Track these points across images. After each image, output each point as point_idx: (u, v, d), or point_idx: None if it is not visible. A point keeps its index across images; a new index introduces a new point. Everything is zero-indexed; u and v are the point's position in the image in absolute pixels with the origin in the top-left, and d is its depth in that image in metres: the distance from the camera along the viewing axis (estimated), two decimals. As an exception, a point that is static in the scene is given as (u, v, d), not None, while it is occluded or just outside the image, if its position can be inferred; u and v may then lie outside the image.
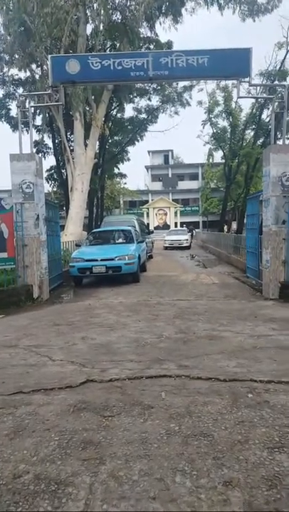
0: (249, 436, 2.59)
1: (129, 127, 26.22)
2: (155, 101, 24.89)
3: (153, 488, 2.10)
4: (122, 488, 2.11)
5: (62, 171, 22.62)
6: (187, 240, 25.36)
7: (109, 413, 2.98)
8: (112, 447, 2.51)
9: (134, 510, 1.94)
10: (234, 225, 30.82)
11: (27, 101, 9.00)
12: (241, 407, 3.00)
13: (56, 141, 22.21)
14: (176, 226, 41.42)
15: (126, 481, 2.17)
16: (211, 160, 37.53)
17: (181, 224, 40.67)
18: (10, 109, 20.96)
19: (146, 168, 51.97)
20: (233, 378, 3.56)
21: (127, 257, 10.14)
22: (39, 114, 19.29)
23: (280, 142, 12.37)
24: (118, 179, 35.58)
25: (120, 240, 11.96)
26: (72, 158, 17.16)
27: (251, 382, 3.46)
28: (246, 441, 2.52)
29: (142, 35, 17.53)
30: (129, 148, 27.76)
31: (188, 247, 24.83)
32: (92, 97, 17.31)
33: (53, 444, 2.58)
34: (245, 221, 16.19)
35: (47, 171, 24.34)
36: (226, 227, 32.48)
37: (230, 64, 8.28)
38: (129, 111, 46.31)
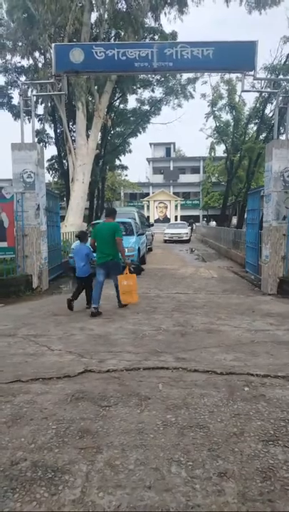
0: (244, 428, 2.62)
1: (131, 119, 26.01)
2: (158, 93, 24.69)
3: (149, 477, 2.13)
4: (118, 477, 2.14)
5: (64, 161, 22.49)
6: (187, 233, 25.35)
7: (106, 403, 3.01)
8: (109, 437, 2.54)
9: (130, 498, 1.97)
10: (234, 220, 30.75)
11: (29, 89, 8.93)
12: (237, 400, 3.03)
13: (58, 130, 22.04)
14: (176, 219, 41.34)
15: (122, 470, 2.20)
16: (212, 154, 37.28)
17: (184, 218, 40.54)
18: (12, 97, 20.77)
19: (148, 160, 51.69)
20: (230, 372, 3.59)
21: (126, 250, 10.09)
22: (41, 103, 19.07)
23: (283, 137, 12.29)
24: (119, 171, 35.43)
25: (120, 232, 11.90)
26: (74, 149, 17.05)
27: (248, 376, 3.49)
28: (241, 434, 2.55)
29: (146, 26, 17.29)
30: (131, 140, 27.61)
31: (188, 241, 24.85)
32: (95, 87, 17.14)
33: (51, 432, 2.61)
34: (245, 216, 16.15)
35: (48, 160, 24.21)
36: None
37: (236, 57, 8.20)
38: (132, 102, 45.95)
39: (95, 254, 6.48)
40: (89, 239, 6.77)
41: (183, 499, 1.96)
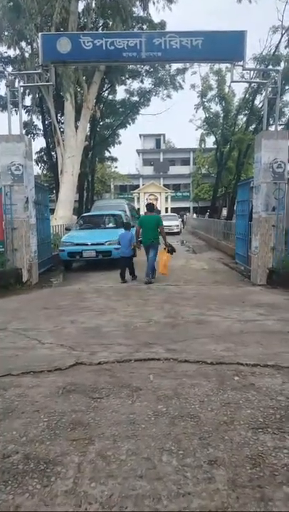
0: (234, 417, 2.66)
1: (120, 110, 25.75)
2: (148, 83, 24.42)
3: (140, 467, 2.16)
4: (110, 467, 2.16)
5: (52, 153, 22.23)
6: (178, 225, 25.38)
7: (98, 395, 3.02)
8: (101, 428, 2.55)
9: (122, 488, 1.99)
10: (224, 212, 30.86)
11: (16, 80, 8.74)
12: (227, 390, 3.06)
13: (46, 122, 21.74)
14: (166, 211, 41.29)
15: (114, 461, 2.22)
16: (202, 145, 37.23)
17: (174, 210, 40.49)
18: (-2, 88, 20.38)
19: (138, 152, 51.38)
20: (220, 361, 3.63)
21: (117, 242, 10.11)
22: (29, 95, 18.79)
23: (272, 128, 12.32)
24: (109, 163, 35.15)
25: (111, 225, 11.89)
26: (63, 141, 16.86)
27: (238, 366, 3.53)
28: (232, 422, 2.59)
29: (135, 15, 17.06)
30: (121, 132, 27.35)
31: (178, 233, 24.87)
32: (84, 78, 16.91)
33: (42, 425, 2.61)
34: (235, 207, 16.21)
35: (36, 153, 23.89)
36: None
37: (225, 47, 8.13)
38: (121, 93, 45.57)
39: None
40: (133, 227, 9.06)
41: (174, 487, 1.99)
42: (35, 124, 22.90)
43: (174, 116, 42.56)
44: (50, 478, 2.08)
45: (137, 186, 47.70)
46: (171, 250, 8.64)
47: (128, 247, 8.48)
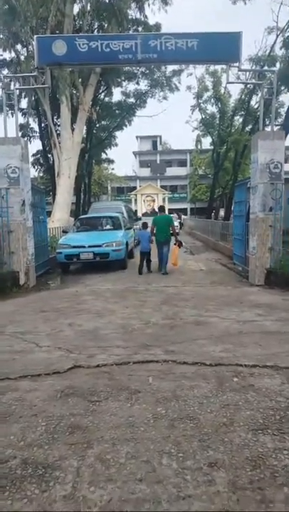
0: (234, 418, 2.64)
1: (117, 112, 25.80)
2: (144, 85, 24.51)
3: (140, 470, 2.14)
4: (109, 471, 2.14)
5: (49, 155, 22.22)
6: (177, 226, 25.41)
7: (96, 398, 3.00)
8: (100, 431, 2.53)
9: (121, 492, 1.97)
10: (222, 212, 30.88)
11: (12, 83, 8.73)
12: (227, 391, 3.05)
13: (42, 124, 21.73)
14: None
15: (113, 464, 2.20)
16: (199, 146, 37.32)
17: (171, 211, 40.51)
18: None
19: (135, 153, 51.38)
20: (219, 363, 3.62)
21: (114, 244, 10.09)
22: (25, 97, 18.81)
23: (268, 129, 12.34)
24: (106, 165, 35.21)
25: (108, 227, 11.87)
26: (59, 143, 16.85)
27: (236, 367, 3.52)
28: (231, 424, 2.57)
29: (130, 17, 17.12)
30: (117, 134, 27.43)
31: (177, 234, 24.87)
32: (80, 80, 16.93)
33: (40, 429, 2.59)
34: (232, 208, 16.23)
35: (33, 155, 23.92)
36: (213, 214, 32.55)
37: (220, 48, 8.16)
38: (117, 95, 45.59)
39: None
40: (148, 226, 10.21)
41: (174, 490, 1.97)
42: (31, 126, 22.96)
43: (171, 118, 42.57)
44: (48, 483, 2.06)
45: (134, 188, 47.66)
46: (180, 245, 10.41)
47: (148, 243, 9.78)
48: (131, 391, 3.10)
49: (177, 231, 24.55)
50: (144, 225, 10.60)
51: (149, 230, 10.15)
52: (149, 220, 10.86)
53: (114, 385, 3.23)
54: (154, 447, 2.34)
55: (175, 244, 10.08)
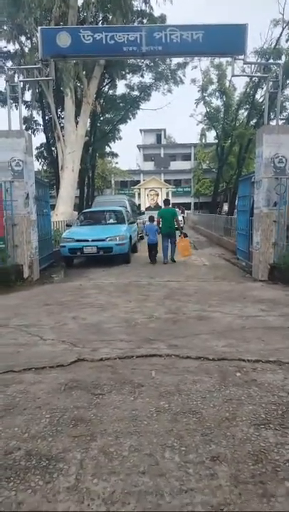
0: (236, 413, 2.65)
1: (121, 104, 25.63)
2: (148, 78, 24.30)
3: (143, 463, 2.16)
4: (112, 464, 2.16)
5: (53, 148, 22.19)
6: (180, 220, 25.35)
7: (100, 391, 3.02)
8: (103, 424, 2.55)
9: (124, 484, 1.99)
10: (225, 207, 30.79)
11: (16, 75, 8.72)
12: (229, 386, 3.06)
13: (46, 117, 21.68)
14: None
15: (116, 457, 2.22)
16: (203, 140, 37.09)
17: (175, 205, 40.43)
18: (-2, 83, 20.31)
19: (138, 147, 51.15)
20: (222, 357, 3.63)
21: (118, 238, 10.10)
22: (28, 90, 18.69)
23: (273, 123, 12.24)
24: (109, 158, 35.07)
25: (111, 221, 11.87)
26: (63, 136, 16.80)
27: (239, 362, 3.53)
28: (234, 418, 2.59)
29: (135, 9, 16.93)
30: (121, 127, 27.30)
31: (181, 228, 24.84)
32: (84, 73, 16.81)
33: (44, 421, 2.61)
34: (236, 203, 16.17)
35: (37, 148, 23.84)
36: (218, 209, 32.46)
37: (226, 40, 8.07)
38: (121, 88, 45.26)
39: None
40: (155, 219, 10.81)
41: (176, 483, 1.99)
42: (35, 119, 22.84)
43: (175, 111, 42.41)
44: (52, 475, 2.08)
45: (138, 182, 47.53)
46: (185, 236, 10.93)
47: (155, 235, 10.57)
48: (134, 385, 3.11)
49: (181, 225, 24.78)
50: (151, 219, 11.07)
51: (155, 223, 10.73)
52: (155, 214, 11.10)
53: (118, 378, 3.25)
54: (156, 441, 2.36)
55: (180, 236, 10.68)
